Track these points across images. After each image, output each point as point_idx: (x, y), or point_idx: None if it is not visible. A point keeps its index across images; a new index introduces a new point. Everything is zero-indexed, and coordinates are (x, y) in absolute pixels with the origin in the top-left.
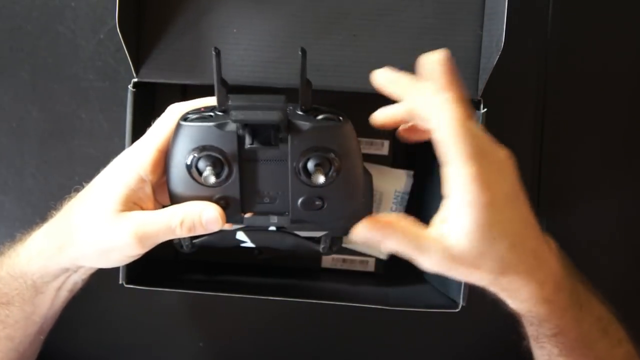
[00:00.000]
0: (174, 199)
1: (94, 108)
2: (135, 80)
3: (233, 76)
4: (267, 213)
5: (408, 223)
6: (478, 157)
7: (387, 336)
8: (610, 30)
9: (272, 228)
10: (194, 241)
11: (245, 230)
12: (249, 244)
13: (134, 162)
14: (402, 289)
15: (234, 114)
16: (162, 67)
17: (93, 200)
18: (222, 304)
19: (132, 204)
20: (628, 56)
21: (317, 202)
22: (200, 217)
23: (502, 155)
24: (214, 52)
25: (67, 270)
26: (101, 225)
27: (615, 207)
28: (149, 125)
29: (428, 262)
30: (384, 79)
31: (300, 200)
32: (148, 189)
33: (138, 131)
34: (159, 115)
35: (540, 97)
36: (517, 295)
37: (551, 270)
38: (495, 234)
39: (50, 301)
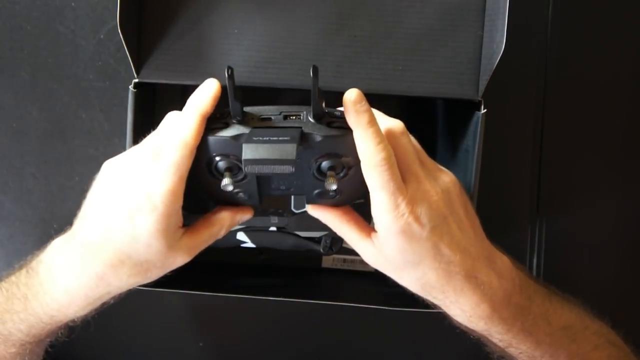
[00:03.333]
0: (196, 190)
1: (94, 108)
2: (136, 80)
3: (234, 77)
4: (283, 195)
5: (354, 218)
6: (395, 187)
7: (387, 336)
8: (610, 31)
9: (273, 228)
10: None
11: (246, 230)
12: (249, 244)
13: (162, 188)
14: (402, 289)
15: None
16: (163, 67)
17: (140, 240)
18: (222, 304)
19: (174, 224)
20: (628, 57)
21: (331, 194)
22: (238, 222)
23: (435, 182)
24: (227, 73)
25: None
26: (159, 263)
27: (615, 207)
28: (150, 125)
29: (365, 259)
30: (350, 107)
31: (315, 192)
32: (180, 201)
33: (139, 132)
34: (159, 115)
35: (540, 98)
36: (449, 310)
37: (488, 291)
38: (410, 257)
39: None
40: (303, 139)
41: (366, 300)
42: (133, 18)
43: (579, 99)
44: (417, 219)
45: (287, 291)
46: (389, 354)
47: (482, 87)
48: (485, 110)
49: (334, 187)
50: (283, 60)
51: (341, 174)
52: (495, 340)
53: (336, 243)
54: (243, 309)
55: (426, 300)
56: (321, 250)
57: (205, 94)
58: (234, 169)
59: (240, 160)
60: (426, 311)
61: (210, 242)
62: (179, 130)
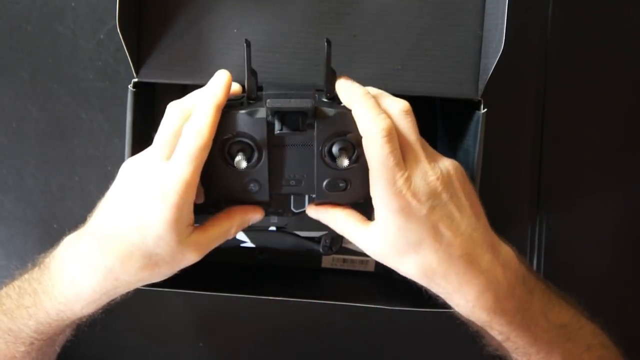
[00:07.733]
0: (207, 182)
1: (94, 108)
2: (136, 80)
3: (234, 76)
4: (293, 194)
5: (352, 213)
6: (394, 163)
7: (387, 336)
8: (610, 29)
9: (273, 228)
10: None
11: (246, 230)
12: (249, 244)
13: (175, 178)
14: (402, 288)
15: (269, 102)
16: (162, 67)
17: (149, 230)
18: (222, 304)
19: (186, 219)
20: (628, 56)
21: (341, 184)
22: (249, 221)
23: (435, 164)
24: (245, 44)
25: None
26: (168, 258)
27: (615, 206)
28: (150, 125)
29: (366, 250)
30: (342, 88)
31: (325, 182)
32: (193, 194)
33: (138, 131)
34: (159, 115)
35: (540, 97)
36: (452, 300)
37: (492, 280)
38: (410, 237)
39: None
40: (316, 114)
41: (366, 300)
42: (132, 18)
43: (578, 98)
44: (414, 195)
45: (287, 291)
46: (389, 354)
47: (481, 86)
48: (485, 109)
49: (346, 162)
50: (282, 59)
51: (352, 158)
52: (494, 333)
53: (336, 243)
54: (243, 309)
55: (429, 291)
56: (321, 250)
57: (219, 84)
58: (246, 151)
59: (254, 140)
60: (426, 311)
61: (220, 240)
62: (194, 120)
